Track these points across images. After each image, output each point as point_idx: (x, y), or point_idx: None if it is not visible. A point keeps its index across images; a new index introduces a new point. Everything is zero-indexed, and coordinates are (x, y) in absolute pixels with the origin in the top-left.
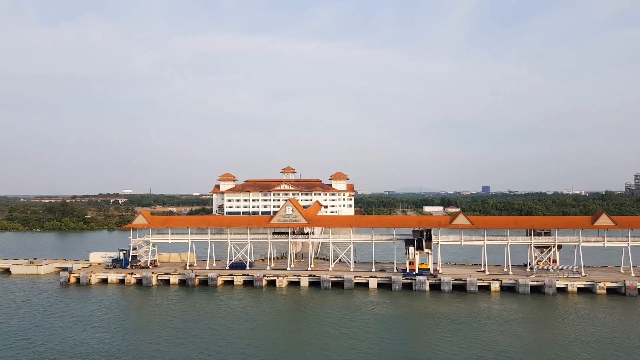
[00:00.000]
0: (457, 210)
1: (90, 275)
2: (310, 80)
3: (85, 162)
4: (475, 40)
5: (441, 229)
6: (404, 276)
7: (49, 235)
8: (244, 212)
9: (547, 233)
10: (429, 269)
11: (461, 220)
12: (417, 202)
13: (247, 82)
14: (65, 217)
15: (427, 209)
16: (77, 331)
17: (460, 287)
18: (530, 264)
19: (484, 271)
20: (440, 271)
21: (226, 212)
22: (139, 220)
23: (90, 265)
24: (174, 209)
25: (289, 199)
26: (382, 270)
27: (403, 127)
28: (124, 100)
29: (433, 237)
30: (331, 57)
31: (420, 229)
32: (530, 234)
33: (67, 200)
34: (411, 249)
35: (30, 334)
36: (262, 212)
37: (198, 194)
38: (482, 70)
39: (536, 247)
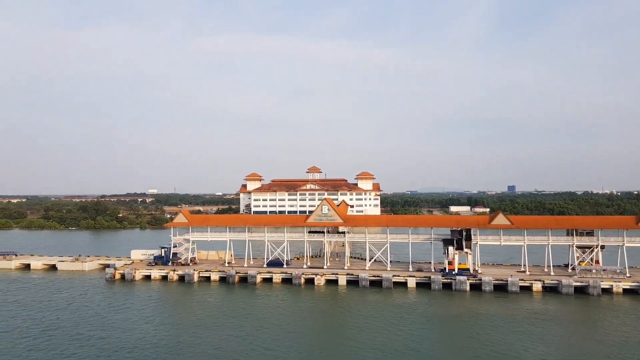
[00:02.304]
0: (485, 210)
1: (135, 272)
2: (328, 79)
3: (111, 163)
4: (496, 38)
5: (480, 228)
6: (443, 276)
7: (85, 233)
8: (270, 212)
9: (590, 233)
10: (468, 269)
11: (501, 220)
12: (443, 201)
13: (266, 82)
14: (99, 215)
15: (453, 208)
16: (139, 324)
17: (501, 287)
18: (572, 265)
19: (524, 271)
20: (479, 271)
21: (253, 212)
22: (179, 218)
23: (133, 262)
24: (201, 208)
25: (324, 199)
26: (419, 270)
27: (424, 126)
28: (145, 101)
29: (472, 237)
30: (349, 57)
31: (459, 229)
32: (572, 234)
33: (98, 200)
34: (450, 248)
35: (95, 327)
36: (289, 212)
37: (221, 193)
38: (506, 68)
39: (578, 247)
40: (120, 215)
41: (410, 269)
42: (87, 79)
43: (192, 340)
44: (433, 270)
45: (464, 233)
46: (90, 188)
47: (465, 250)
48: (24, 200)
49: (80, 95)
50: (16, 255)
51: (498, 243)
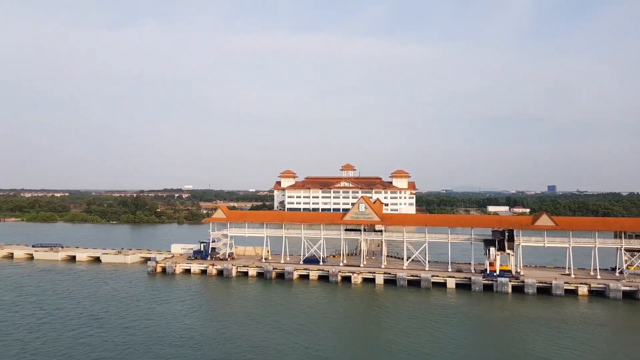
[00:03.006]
0: (525, 210)
1: (175, 266)
2: (362, 77)
3: (148, 159)
4: (537, 32)
5: (522, 229)
6: (484, 277)
7: (125, 227)
8: (304, 209)
9: (639, 236)
10: (510, 271)
11: (545, 220)
12: (480, 201)
13: (299, 80)
14: (138, 210)
15: (491, 208)
16: (183, 317)
17: (544, 290)
18: (619, 268)
19: (569, 274)
20: (521, 273)
21: (287, 208)
22: (218, 214)
23: (173, 256)
24: (235, 204)
25: (361, 196)
26: (459, 271)
27: (460, 123)
28: (178, 100)
29: (515, 238)
30: (383, 54)
31: (501, 229)
32: (620, 237)
33: (138, 195)
34: (492, 249)
35: (141, 317)
36: (322, 209)
37: (254, 190)
38: (546, 63)
39: (627, 250)
40: (159, 210)
41: (450, 270)
42: (125, 79)
43: (236, 333)
44: (473, 271)
45: (506, 233)
46: (128, 183)
47: (508, 251)
48: (66, 194)
49: (118, 94)
50: (62, 247)
51: (542, 244)
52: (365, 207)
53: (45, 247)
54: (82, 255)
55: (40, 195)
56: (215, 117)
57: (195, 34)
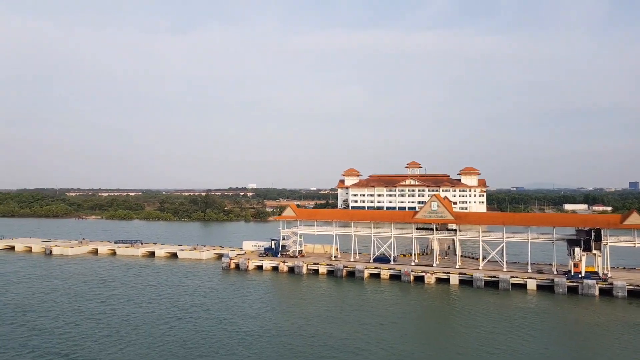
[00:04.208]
0: (606, 209)
1: (248, 262)
2: (426, 71)
3: (214, 159)
4: (615, 19)
5: (609, 229)
6: (568, 279)
7: (196, 224)
8: (368, 207)
9: None
10: (596, 272)
11: (635, 219)
12: (555, 199)
13: (361, 77)
14: (208, 208)
15: (567, 206)
16: (263, 312)
17: (635, 294)
18: None
19: None
20: (609, 275)
21: (351, 207)
22: (288, 212)
23: (245, 252)
24: (299, 203)
25: (434, 195)
26: (539, 272)
27: (530, 117)
28: (241, 100)
29: (602, 238)
30: (448, 47)
31: (586, 229)
32: None
33: (207, 194)
34: (577, 249)
35: (225, 311)
36: (387, 207)
37: (315, 188)
38: (626, 52)
39: None
40: (227, 208)
41: (529, 270)
42: (186, 79)
43: (319, 329)
44: (555, 272)
45: (593, 233)
46: (195, 182)
47: (594, 251)
48: (140, 193)
49: (188, 96)
50: (142, 243)
51: (632, 245)
52: (438, 206)
53: (126, 243)
54: (160, 251)
55: (116, 194)
56: (276, 117)
57: (256, 37)
